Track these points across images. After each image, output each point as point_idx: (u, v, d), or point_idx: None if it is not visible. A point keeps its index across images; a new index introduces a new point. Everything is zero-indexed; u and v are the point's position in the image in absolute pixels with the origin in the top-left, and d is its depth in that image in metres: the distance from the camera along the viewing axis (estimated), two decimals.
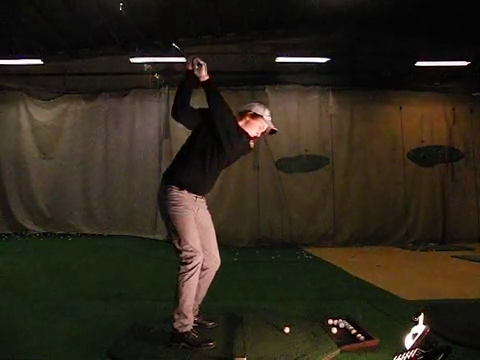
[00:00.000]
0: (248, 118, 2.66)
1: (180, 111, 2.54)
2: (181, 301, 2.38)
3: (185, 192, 2.48)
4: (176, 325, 2.40)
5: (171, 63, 7.42)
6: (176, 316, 2.40)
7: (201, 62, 2.46)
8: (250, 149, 2.73)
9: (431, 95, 8.81)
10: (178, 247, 2.43)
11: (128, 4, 6.18)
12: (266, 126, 2.69)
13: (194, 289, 2.44)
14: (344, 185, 8.59)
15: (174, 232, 2.45)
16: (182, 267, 2.40)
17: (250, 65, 7.76)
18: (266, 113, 2.67)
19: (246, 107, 2.70)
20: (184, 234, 2.42)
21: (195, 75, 2.48)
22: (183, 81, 2.54)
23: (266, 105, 2.78)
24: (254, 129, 2.66)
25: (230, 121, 2.53)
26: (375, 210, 8.53)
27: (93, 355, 2.32)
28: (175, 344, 2.39)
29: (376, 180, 8.60)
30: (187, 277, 2.38)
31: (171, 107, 2.57)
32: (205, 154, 2.53)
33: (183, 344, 2.37)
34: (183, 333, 2.39)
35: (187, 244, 2.41)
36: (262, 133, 2.72)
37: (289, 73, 8.24)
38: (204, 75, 2.46)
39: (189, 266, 2.39)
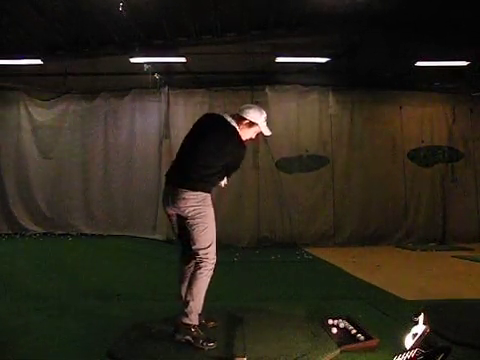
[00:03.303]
0: (244, 126, 2.74)
1: None
2: (200, 296, 2.50)
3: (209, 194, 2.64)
4: (191, 317, 2.45)
5: (171, 63, 7.42)
6: (192, 308, 2.46)
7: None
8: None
9: (431, 95, 8.82)
10: (209, 250, 2.55)
11: (128, 4, 6.18)
12: (260, 130, 2.81)
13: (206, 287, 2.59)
14: (344, 185, 8.59)
15: (207, 235, 2.56)
16: (209, 266, 2.55)
17: (250, 65, 7.74)
18: (262, 119, 2.76)
19: (244, 113, 2.73)
20: (214, 239, 2.59)
21: None
22: None
23: (263, 107, 2.84)
24: (249, 134, 2.81)
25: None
26: (375, 210, 8.54)
27: (93, 355, 2.32)
28: (179, 336, 2.44)
29: (376, 180, 8.59)
30: (207, 277, 2.55)
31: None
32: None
33: (187, 337, 2.42)
34: (190, 326, 2.44)
35: (214, 247, 2.59)
36: (257, 135, 2.86)
37: (289, 73, 8.24)
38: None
39: (212, 267, 2.57)
